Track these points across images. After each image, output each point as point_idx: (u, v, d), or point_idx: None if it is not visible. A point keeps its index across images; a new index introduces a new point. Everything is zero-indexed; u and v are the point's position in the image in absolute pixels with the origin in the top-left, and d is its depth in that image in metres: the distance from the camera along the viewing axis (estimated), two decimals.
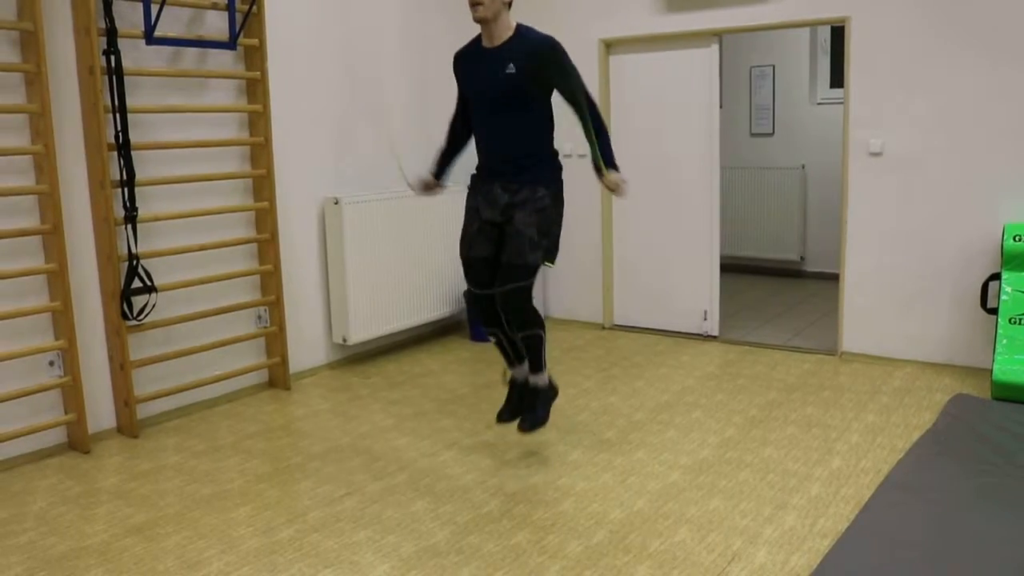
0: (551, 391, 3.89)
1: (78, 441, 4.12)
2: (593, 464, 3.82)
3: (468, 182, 3.86)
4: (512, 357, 3.88)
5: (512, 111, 3.59)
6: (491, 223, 3.71)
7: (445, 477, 3.72)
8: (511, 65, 3.52)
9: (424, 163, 5.94)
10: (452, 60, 3.83)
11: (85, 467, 3.94)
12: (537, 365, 3.78)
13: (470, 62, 3.73)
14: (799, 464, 3.75)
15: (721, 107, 5.97)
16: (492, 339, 3.87)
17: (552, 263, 3.72)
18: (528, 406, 3.83)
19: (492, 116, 3.66)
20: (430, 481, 3.68)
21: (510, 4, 3.60)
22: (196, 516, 3.41)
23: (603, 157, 3.57)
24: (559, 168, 3.73)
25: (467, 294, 3.72)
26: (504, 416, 3.90)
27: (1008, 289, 4.55)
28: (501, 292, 3.62)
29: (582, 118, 3.55)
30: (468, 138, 3.94)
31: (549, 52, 3.52)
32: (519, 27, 3.61)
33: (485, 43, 3.65)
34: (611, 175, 3.58)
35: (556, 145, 3.77)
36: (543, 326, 3.73)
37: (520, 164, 3.64)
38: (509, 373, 3.96)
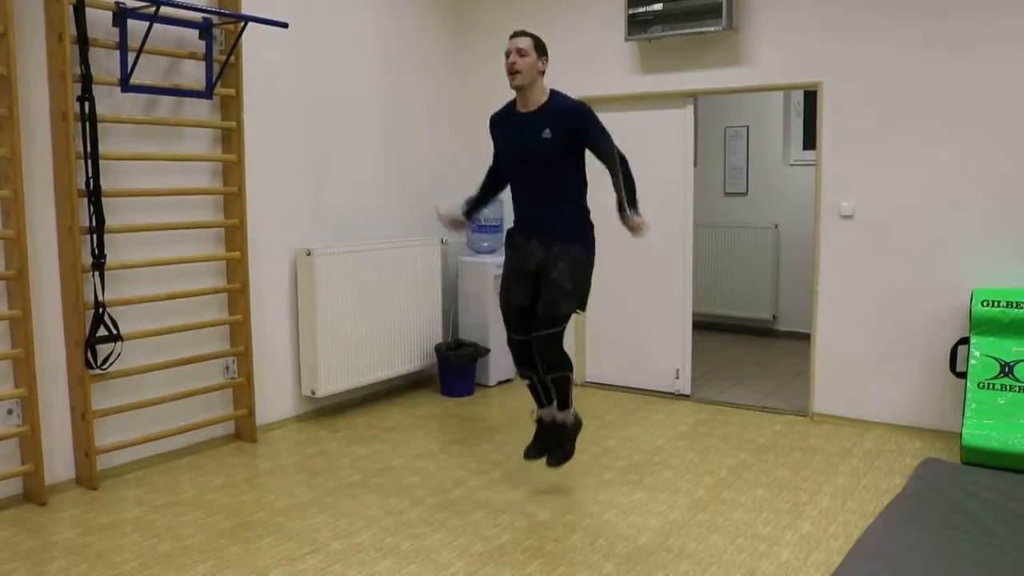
0: (576, 426, 4.12)
1: (34, 492, 4.01)
2: (562, 525, 3.76)
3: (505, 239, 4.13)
4: (542, 398, 4.11)
5: (548, 172, 3.84)
6: (528, 274, 3.94)
7: (411, 536, 3.65)
8: (547, 130, 3.78)
9: (399, 211, 5.98)
10: (488, 122, 4.11)
11: (40, 520, 3.83)
12: (564, 403, 4.02)
13: (506, 126, 3.99)
14: (769, 528, 3.72)
15: (696, 166, 6.02)
16: (526, 381, 4.13)
17: (583, 311, 4.01)
18: (555, 443, 4.06)
19: (529, 177, 3.91)
20: (395, 541, 3.61)
21: (543, 72, 3.84)
22: (152, 574, 3.31)
23: (628, 199, 3.75)
24: (591, 225, 3.96)
25: (510, 341, 4.13)
26: (532, 453, 4.10)
27: (977, 353, 4.58)
28: (537, 336, 3.86)
29: (612, 171, 3.78)
30: (500, 190, 4.25)
31: (582, 117, 3.81)
32: (553, 93, 3.87)
33: (520, 108, 3.89)
34: (634, 216, 3.72)
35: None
36: (571, 368, 4.00)
37: (555, 221, 3.88)
38: (537, 412, 4.15)
